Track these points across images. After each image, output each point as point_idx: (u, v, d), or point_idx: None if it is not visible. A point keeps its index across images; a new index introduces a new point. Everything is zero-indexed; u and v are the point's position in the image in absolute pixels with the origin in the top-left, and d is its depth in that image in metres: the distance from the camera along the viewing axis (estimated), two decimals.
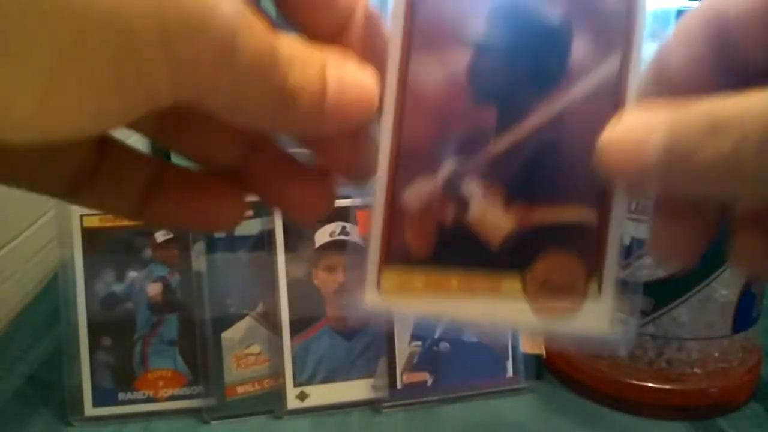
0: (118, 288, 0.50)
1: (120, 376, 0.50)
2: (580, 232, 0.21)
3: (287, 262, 0.50)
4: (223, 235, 0.50)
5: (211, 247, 0.50)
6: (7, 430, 0.49)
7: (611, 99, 0.21)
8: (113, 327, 0.50)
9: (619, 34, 0.20)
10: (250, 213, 0.50)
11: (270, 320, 0.51)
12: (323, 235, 0.51)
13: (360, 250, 0.22)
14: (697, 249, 0.22)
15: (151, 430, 0.49)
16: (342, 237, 0.51)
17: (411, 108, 0.21)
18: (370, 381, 0.52)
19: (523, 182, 0.21)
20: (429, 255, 0.22)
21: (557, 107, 0.21)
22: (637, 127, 0.19)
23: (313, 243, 0.51)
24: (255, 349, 0.51)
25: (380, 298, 0.22)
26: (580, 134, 0.20)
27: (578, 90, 0.21)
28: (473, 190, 0.21)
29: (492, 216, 0.21)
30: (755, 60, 0.21)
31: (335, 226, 0.51)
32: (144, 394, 0.50)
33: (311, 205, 0.23)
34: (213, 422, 0.50)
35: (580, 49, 0.21)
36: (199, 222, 0.23)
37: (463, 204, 0.21)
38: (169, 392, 0.51)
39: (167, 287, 0.51)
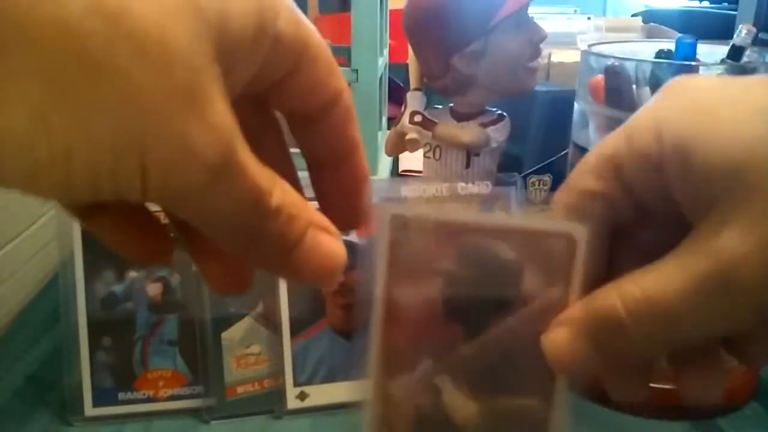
0: (118, 288, 0.50)
1: (120, 376, 0.50)
2: (532, 418, 0.27)
3: None
4: None
5: None
6: (7, 430, 0.49)
7: (554, 318, 0.26)
8: (113, 327, 0.50)
9: (562, 270, 0.26)
10: None
11: (270, 320, 0.51)
12: None
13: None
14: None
15: (151, 430, 0.49)
16: (342, 237, 0.51)
17: (394, 321, 0.27)
18: None
19: (486, 378, 0.27)
20: None
21: (512, 323, 0.27)
22: (564, 339, 0.25)
23: None
24: (255, 349, 0.51)
25: None
26: (531, 343, 0.26)
27: (528, 311, 0.27)
28: (444, 383, 0.27)
29: (460, 403, 0.27)
30: (646, 202, 0.26)
31: None
32: (144, 394, 0.50)
33: (226, 283, 0.23)
34: (213, 422, 0.50)
35: (529, 280, 0.27)
36: (125, 250, 0.22)
37: (436, 394, 0.27)
38: (169, 392, 0.51)
39: (167, 287, 0.51)
